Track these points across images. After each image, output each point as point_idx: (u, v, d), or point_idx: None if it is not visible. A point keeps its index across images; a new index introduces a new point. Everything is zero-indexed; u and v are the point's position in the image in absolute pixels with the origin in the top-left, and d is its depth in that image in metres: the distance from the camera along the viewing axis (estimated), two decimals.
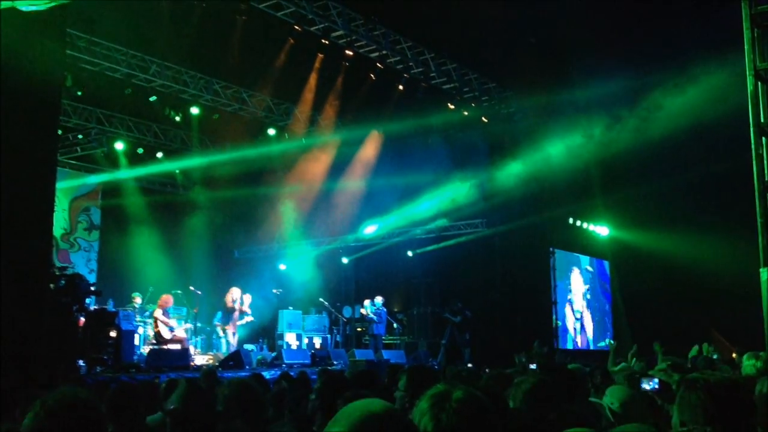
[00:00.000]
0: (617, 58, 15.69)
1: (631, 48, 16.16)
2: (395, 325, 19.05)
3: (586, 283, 22.45)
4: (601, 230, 22.62)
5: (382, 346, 17.45)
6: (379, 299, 17.79)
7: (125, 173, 19.90)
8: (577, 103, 17.97)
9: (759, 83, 7.16)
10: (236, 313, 16.24)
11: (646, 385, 4.42)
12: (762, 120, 7.10)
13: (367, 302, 17.99)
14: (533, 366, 7.48)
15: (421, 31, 16.38)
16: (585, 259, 22.48)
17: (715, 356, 12.69)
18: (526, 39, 16.65)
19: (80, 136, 18.30)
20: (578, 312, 21.80)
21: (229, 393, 3.51)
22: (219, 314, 17.55)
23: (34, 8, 8.95)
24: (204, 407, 3.77)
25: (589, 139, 17.44)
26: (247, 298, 16.65)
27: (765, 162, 7.10)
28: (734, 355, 12.43)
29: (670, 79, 16.54)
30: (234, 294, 16.34)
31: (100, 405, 2.55)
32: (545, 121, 18.56)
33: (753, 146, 7.09)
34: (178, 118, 18.20)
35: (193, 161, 20.20)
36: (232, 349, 15.78)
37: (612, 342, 14.92)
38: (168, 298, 15.36)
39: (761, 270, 6.95)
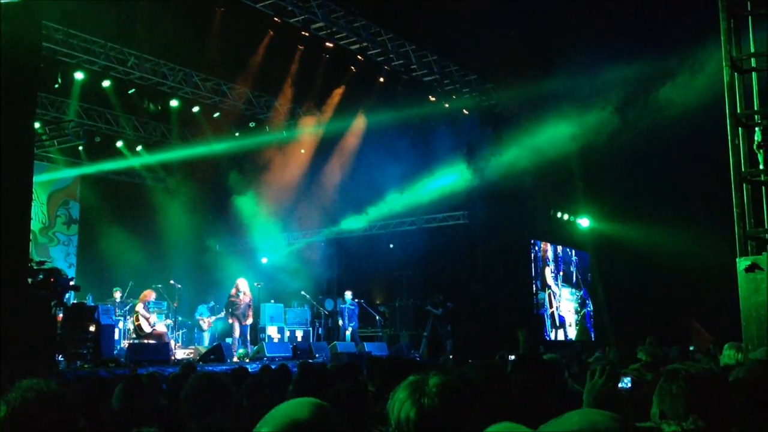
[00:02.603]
0: (599, 50, 15.74)
1: (612, 40, 16.21)
2: (377, 317, 19.08)
3: (567, 275, 22.55)
4: (582, 222, 22.72)
5: (359, 339, 17.50)
6: (348, 294, 17.82)
7: (104, 166, 19.74)
8: (558, 95, 18.02)
9: (735, 73, 7.20)
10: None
11: (619, 384, 4.39)
12: (738, 110, 7.14)
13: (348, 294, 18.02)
14: (512, 357, 7.52)
15: (401, 23, 16.35)
16: (566, 251, 22.58)
17: (691, 348, 12.80)
18: (506, 31, 16.66)
19: (57, 129, 18.13)
20: (559, 303, 21.89)
21: (196, 386, 3.48)
22: (200, 308, 17.51)
23: (8, 0, 8.84)
24: (145, 404, 3.74)
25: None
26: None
27: (741, 152, 7.15)
28: (711, 345, 12.53)
29: (650, 70, 16.62)
30: (240, 286, 16.27)
31: (71, 399, 2.54)
32: (526, 113, 18.60)
33: (729, 137, 7.13)
34: (157, 110, 18.11)
35: (173, 154, 20.07)
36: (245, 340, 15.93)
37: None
38: (149, 293, 15.32)
39: (738, 260, 7.00)
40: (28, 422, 2.42)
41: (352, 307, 17.77)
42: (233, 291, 16.18)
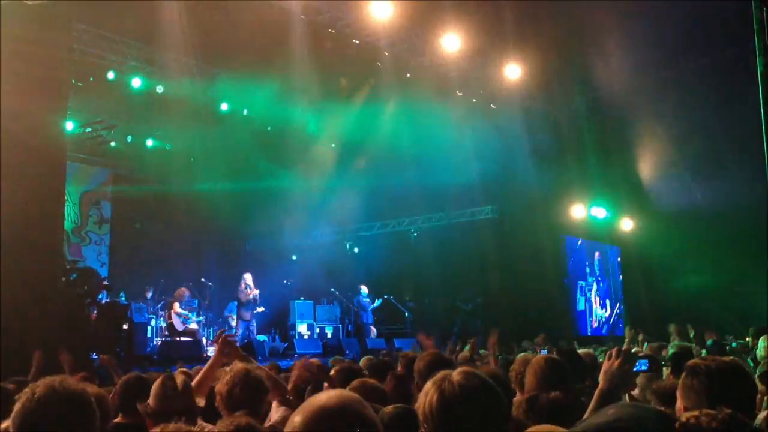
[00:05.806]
0: (627, 38, 15.57)
1: (642, 33, 16.02)
2: (406, 313, 19.07)
3: (597, 269, 22.37)
4: (611, 216, 22.46)
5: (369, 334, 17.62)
6: (364, 289, 17.95)
7: (135, 166, 19.88)
8: (588, 85, 17.85)
9: None
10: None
11: (635, 367, 4.24)
12: None
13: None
14: (544, 351, 7.48)
15: (427, 17, 16.24)
16: (596, 245, 22.37)
17: (733, 342, 12.65)
18: (534, 19, 16.44)
19: (89, 129, 18.29)
20: (591, 298, 21.73)
21: (231, 381, 3.50)
22: (230, 305, 17.61)
23: (39, 1, 8.95)
24: (180, 402, 3.76)
25: None
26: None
27: None
28: (748, 338, 12.39)
29: (678, 60, 16.43)
30: (247, 280, 16.40)
31: (87, 397, 2.59)
32: (554, 105, 18.44)
33: (764, 127, 7.01)
34: (186, 108, 18.17)
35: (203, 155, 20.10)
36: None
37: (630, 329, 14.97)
38: (183, 291, 15.46)
39: None
40: (37, 418, 2.48)
41: (367, 301, 17.90)
42: (242, 286, 16.28)
